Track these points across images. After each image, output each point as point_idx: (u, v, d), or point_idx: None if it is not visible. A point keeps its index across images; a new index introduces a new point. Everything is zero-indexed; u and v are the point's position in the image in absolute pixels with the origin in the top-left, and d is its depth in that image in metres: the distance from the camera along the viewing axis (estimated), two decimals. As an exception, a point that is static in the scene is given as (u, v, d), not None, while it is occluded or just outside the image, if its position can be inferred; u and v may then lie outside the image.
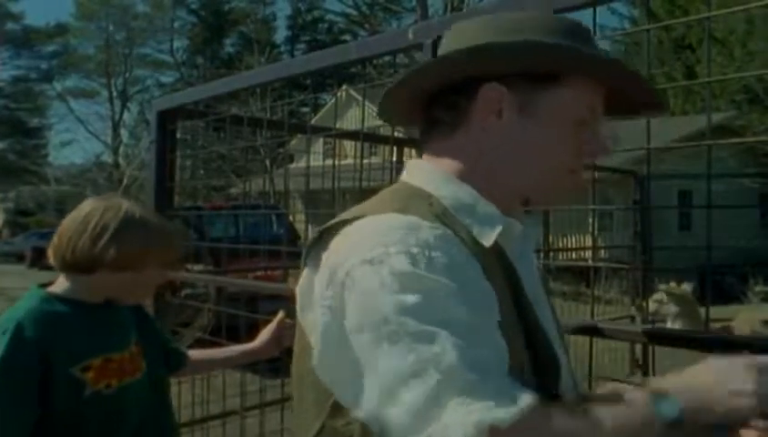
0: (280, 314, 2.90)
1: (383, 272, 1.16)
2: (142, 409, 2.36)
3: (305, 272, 1.36)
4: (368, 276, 1.17)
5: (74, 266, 2.23)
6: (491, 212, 1.35)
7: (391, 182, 1.71)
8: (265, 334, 2.90)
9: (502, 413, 1.04)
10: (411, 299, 1.13)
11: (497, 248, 1.34)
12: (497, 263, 1.32)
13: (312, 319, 1.29)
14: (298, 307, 1.37)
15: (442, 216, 1.31)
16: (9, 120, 60.73)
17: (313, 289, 1.30)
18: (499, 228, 1.32)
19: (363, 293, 1.17)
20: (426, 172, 1.43)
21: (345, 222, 1.30)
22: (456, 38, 1.43)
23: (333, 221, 1.33)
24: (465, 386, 1.07)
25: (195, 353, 2.83)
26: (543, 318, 1.40)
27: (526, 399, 1.07)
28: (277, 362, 3.76)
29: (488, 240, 1.31)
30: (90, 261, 2.20)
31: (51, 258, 2.27)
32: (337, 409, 1.25)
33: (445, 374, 1.07)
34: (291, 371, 1.42)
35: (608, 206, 17.10)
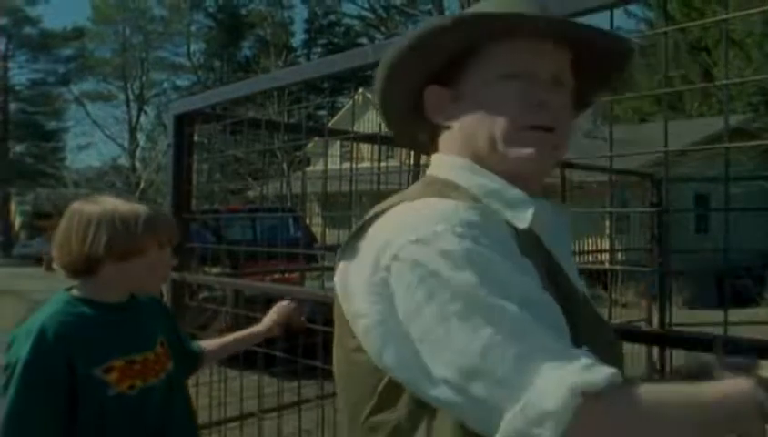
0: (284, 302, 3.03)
1: (432, 252, 1.17)
2: (167, 409, 2.38)
3: (341, 265, 1.37)
4: (419, 256, 1.18)
5: (77, 270, 2.27)
6: (519, 195, 1.36)
7: (409, 185, 1.73)
8: (268, 318, 2.99)
9: (594, 377, 1.04)
10: (468, 275, 1.13)
11: (532, 234, 1.34)
12: (533, 249, 1.32)
13: (356, 309, 1.29)
14: (337, 299, 1.38)
15: (477, 200, 1.33)
16: (27, 124, 60.96)
17: (349, 280, 1.32)
18: (531, 210, 1.33)
19: (416, 274, 1.17)
20: (449, 164, 1.45)
21: (382, 212, 1.32)
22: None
23: (369, 214, 1.34)
24: (549, 352, 1.07)
25: (206, 344, 2.88)
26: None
27: (610, 368, 1.07)
28: (294, 365, 3.78)
29: (522, 223, 1.32)
30: (88, 261, 2.23)
31: (59, 268, 2.31)
32: (384, 398, 1.26)
33: (526, 342, 1.08)
34: (333, 357, 1.43)
35: (625, 209, 17.06)
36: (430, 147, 1.54)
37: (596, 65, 1.49)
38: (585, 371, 1.04)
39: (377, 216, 1.32)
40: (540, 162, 1.39)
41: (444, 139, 1.49)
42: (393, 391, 1.25)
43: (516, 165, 1.38)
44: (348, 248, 1.35)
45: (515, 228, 1.31)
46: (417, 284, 1.16)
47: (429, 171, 1.50)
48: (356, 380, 1.32)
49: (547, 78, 1.39)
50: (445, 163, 1.46)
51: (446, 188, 1.36)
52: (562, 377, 1.03)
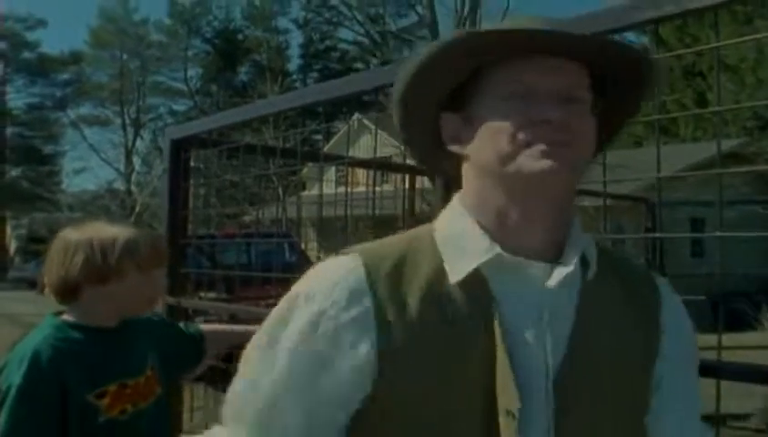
0: None
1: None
2: (155, 433, 2.37)
3: None
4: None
5: (62, 294, 2.27)
6: (474, 245, 1.30)
7: (404, 210, 1.71)
8: None
9: None
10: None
11: (478, 285, 1.27)
12: (467, 301, 1.26)
13: None
14: None
15: (407, 253, 1.33)
16: (23, 147, 61.05)
17: None
18: (473, 265, 1.27)
19: None
20: (449, 206, 1.43)
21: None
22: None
23: None
24: None
25: (207, 328, 2.90)
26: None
27: None
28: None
29: (455, 276, 1.28)
30: (67, 284, 2.24)
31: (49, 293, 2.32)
32: None
33: None
34: None
35: (620, 234, 17.05)
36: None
37: (618, 81, 1.38)
38: None
39: None
40: (555, 173, 1.24)
41: (464, 169, 1.41)
42: None
43: (534, 178, 1.25)
44: None
45: (443, 281, 1.29)
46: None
47: None
48: None
49: (551, 95, 1.27)
50: (451, 203, 1.43)
51: (406, 237, 1.40)
52: None
